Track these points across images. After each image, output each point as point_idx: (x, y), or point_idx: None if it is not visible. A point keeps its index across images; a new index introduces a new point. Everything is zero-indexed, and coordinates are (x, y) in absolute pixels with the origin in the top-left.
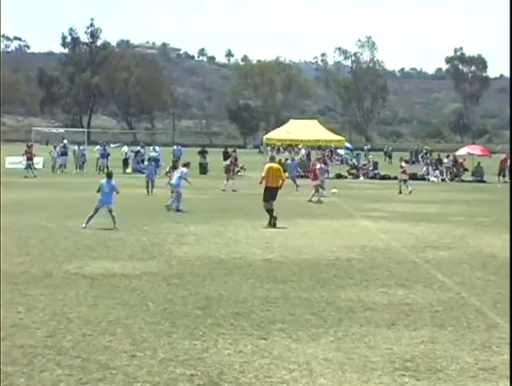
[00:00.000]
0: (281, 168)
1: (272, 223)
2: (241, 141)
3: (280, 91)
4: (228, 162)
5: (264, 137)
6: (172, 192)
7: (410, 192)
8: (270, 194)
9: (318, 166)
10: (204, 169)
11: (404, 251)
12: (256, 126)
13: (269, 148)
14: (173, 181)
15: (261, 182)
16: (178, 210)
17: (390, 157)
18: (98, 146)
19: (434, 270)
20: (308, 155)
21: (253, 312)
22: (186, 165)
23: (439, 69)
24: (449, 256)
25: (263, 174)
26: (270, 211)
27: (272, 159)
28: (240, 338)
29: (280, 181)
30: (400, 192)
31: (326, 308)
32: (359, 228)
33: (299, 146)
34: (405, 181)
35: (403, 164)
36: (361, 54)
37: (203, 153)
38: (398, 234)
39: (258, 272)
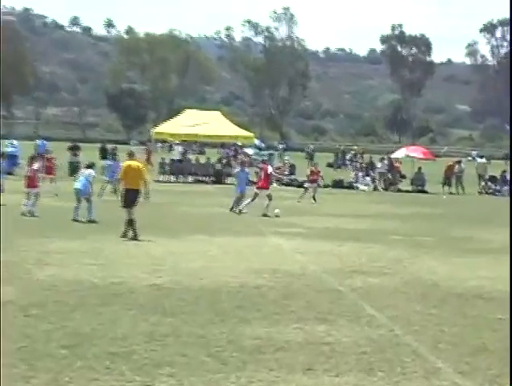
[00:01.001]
0: (142, 166)
1: (131, 236)
2: (124, 136)
3: (174, 73)
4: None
5: (153, 131)
6: (79, 200)
7: (314, 198)
8: (130, 198)
9: (270, 169)
10: (75, 169)
11: (325, 277)
12: (143, 117)
13: (159, 145)
14: (79, 186)
15: (116, 188)
16: (90, 221)
17: (312, 158)
18: None
19: (362, 301)
20: (184, 154)
21: (134, 352)
22: (90, 166)
23: (373, 51)
24: (381, 284)
25: (119, 175)
26: (131, 220)
27: (131, 156)
28: (118, 385)
29: (141, 182)
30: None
31: (227, 348)
32: (270, 248)
33: (175, 142)
34: (305, 189)
35: (312, 169)
36: (277, 29)
37: (74, 149)
38: (318, 255)
39: (141, 301)
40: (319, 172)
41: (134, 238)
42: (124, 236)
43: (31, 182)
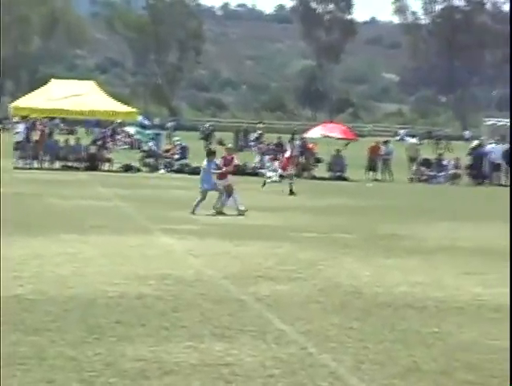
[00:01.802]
0: None
1: None
2: None
3: (37, 34)
4: None
5: (11, 106)
6: None
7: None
8: None
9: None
10: None
11: (225, 283)
12: None
13: (20, 124)
14: None
15: None
16: None
17: (208, 139)
18: None
19: (269, 313)
20: (29, 133)
21: None
22: None
23: (281, 7)
24: (292, 292)
25: None
26: None
27: None
28: None
29: None
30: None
31: (103, 372)
32: (157, 249)
33: (15, 119)
34: None
35: (225, 154)
36: None
37: None
38: (215, 258)
39: None
40: (232, 159)
41: None
42: None
43: None
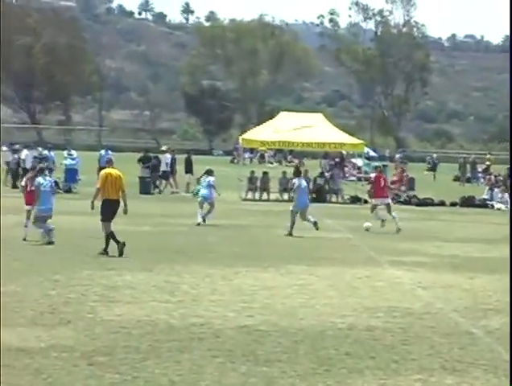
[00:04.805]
0: (121, 175)
1: (118, 251)
2: (206, 144)
3: (266, 67)
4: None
5: (240, 138)
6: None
7: (398, 230)
8: (111, 209)
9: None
10: (146, 186)
11: (454, 316)
12: (228, 121)
13: (247, 154)
14: (205, 192)
15: (94, 200)
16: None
17: (434, 170)
18: None
19: (500, 346)
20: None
21: None
22: (210, 173)
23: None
24: None
25: (99, 184)
26: (111, 234)
27: (110, 163)
28: None
29: (121, 192)
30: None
31: None
32: (385, 281)
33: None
34: (388, 207)
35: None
36: (391, 13)
37: (145, 161)
38: (444, 290)
39: (229, 346)
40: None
41: (105, 252)
42: (107, 251)
43: None
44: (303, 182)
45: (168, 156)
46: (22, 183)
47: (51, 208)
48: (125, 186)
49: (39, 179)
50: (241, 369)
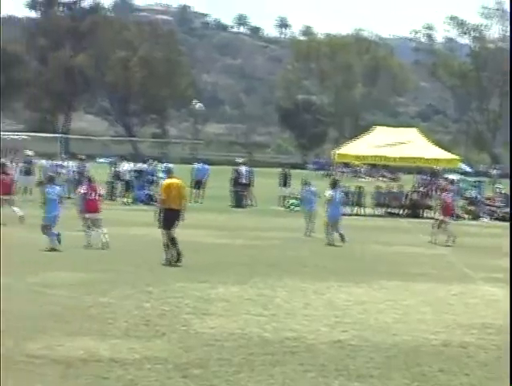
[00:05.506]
0: (183, 185)
1: (175, 261)
2: (299, 158)
3: (361, 82)
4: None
5: (335, 153)
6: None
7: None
8: (173, 218)
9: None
10: (240, 199)
11: None
12: (322, 135)
13: (341, 169)
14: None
15: (160, 211)
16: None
17: None
18: (72, 162)
19: None
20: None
21: None
22: (308, 183)
23: None
24: None
25: (163, 196)
26: (173, 240)
27: (169, 173)
28: None
29: (183, 201)
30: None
31: None
32: (480, 298)
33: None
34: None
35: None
36: (487, 28)
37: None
38: None
39: (322, 361)
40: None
41: (178, 259)
42: (170, 262)
43: None
44: (338, 194)
45: (244, 168)
46: (82, 191)
47: (58, 215)
48: (186, 196)
49: (48, 188)
50: (334, 384)
